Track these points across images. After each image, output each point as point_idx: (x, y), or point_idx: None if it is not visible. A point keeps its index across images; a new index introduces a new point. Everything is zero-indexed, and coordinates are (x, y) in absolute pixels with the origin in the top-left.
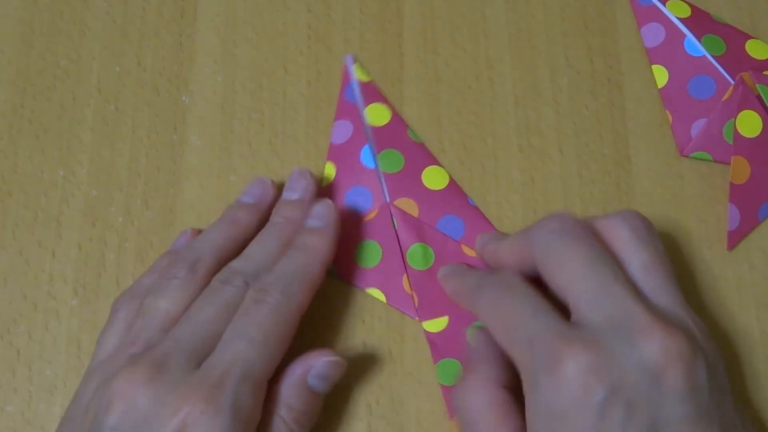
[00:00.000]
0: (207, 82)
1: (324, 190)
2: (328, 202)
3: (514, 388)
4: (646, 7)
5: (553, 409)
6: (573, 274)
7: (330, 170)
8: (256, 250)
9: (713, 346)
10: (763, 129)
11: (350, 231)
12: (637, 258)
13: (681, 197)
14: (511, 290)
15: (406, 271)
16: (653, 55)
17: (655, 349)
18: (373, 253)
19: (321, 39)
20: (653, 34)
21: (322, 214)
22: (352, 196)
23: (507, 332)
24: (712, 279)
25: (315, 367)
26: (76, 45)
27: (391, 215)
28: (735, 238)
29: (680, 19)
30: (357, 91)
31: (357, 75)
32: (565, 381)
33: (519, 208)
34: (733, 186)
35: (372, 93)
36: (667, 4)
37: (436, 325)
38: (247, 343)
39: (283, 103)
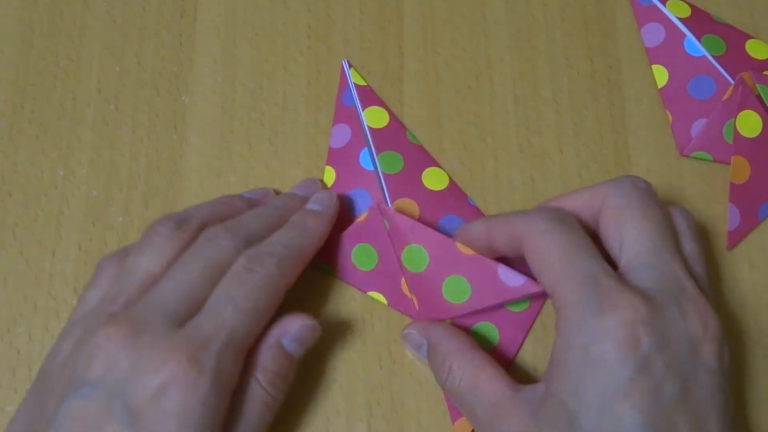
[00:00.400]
0: (207, 82)
1: None
2: (331, 192)
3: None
4: (646, 7)
5: (590, 351)
6: (643, 229)
7: (329, 174)
8: (248, 218)
9: None
10: (763, 129)
11: (346, 233)
12: (688, 246)
13: (681, 197)
14: (568, 224)
15: (403, 274)
16: (653, 55)
17: (699, 322)
18: (369, 256)
19: (321, 39)
20: (653, 34)
21: (323, 200)
22: (351, 198)
23: (558, 264)
24: (712, 279)
25: (290, 330)
26: (76, 45)
27: (382, 217)
28: (735, 238)
29: (680, 19)
30: (354, 94)
31: (354, 79)
32: (615, 325)
33: (519, 208)
34: (733, 186)
35: (369, 96)
36: (667, 4)
37: None
38: (235, 310)
39: (283, 103)
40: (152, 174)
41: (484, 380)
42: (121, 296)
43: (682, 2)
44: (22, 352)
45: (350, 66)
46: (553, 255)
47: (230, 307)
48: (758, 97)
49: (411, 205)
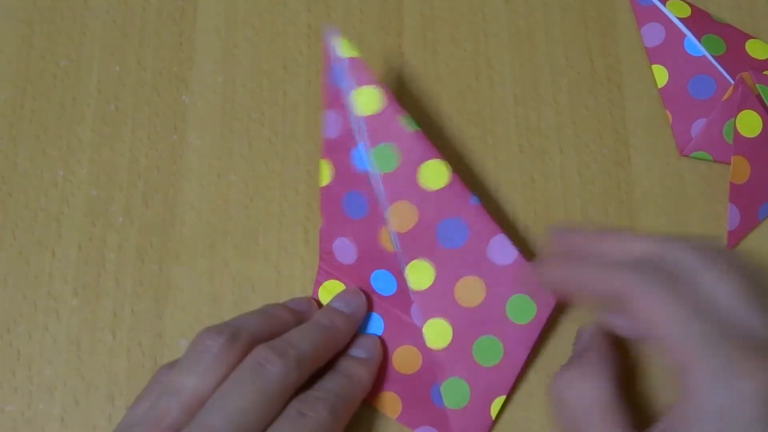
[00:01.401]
0: (207, 82)
1: (322, 191)
2: (375, 337)
3: (619, 383)
4: (646, 7)
5: (726, 415)
6: (723, 285)
7: (325, 170)
8: (299, 338)
9: None
10: (763, 129)
11: None
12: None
13: (681, 197)
14: (679, 280)
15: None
16: (653, 55)
17: None
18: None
19: (321, 39)
20: (653, 34)
21: (368, 346)
22: (348, 201)
23: (678, 324)
24: None
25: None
26: (76, 45)
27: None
28: (735, 238)
29: (680, 19)
30: (343, 72)
31: (342, 51)
32: (751, 391)
33: (519, 208)
34: (733, 186)
35: (359, 73)
36: (667, 4)
37: (441, 338)
38: None
39: (283, 103)
40: (152, 174)
41: (606, 409)
42: (166, 418)
43: (682, 2)
44: (22, 352)
45: (337, 35)
46: (670, 315)
47: None
48: (758, 97)
49: (409, 208)
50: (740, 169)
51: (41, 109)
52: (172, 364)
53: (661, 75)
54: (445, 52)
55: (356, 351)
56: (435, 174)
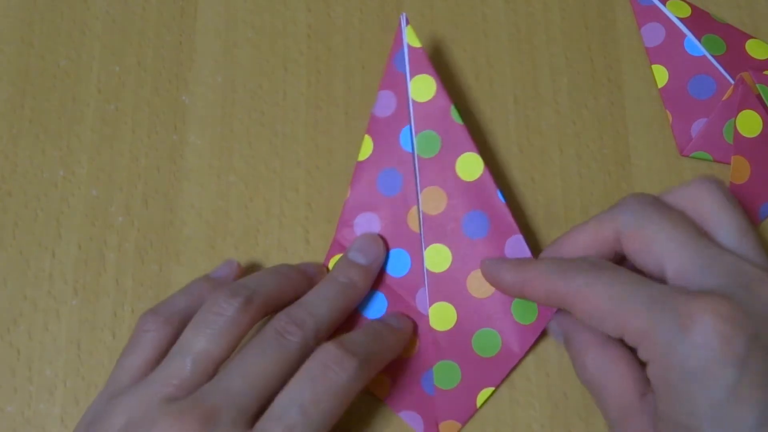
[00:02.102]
0: (207, 82)
1: (358, 165)
2: (404, 317)
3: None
4: (646, 7)
5: (689, 369)
6: (675, 237)
7: (367, 144)
8: (317, 304)
9: None
10: (763, 129)
11: None
12: (730, 224)
13: None
14: (605, 268)
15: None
16: (653, 55)
17: None
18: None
19: (321, 39)
20: (653, 34)
21: (398, 319)
22: (383, 177)
23: (614, 304)
24: None
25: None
26: (76, 45)
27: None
28: None
29: (680, 19)
30: (406, 59)
31: (409, 39)
32: (703, 335)
33: (519, 208)
34: (733, 186)
35: (420, 61)
36: (667, 3)
37: (445, 321)
38: (302, 416)
39: (283, 103)
40: (152, 174)
41: (614, 380)
42: (178, 377)
43: (682, 2)
44: (22, 352)
45: (408, 23)
46: (605, 300)
47: (298, 412)
48: (758, 97)
49: (439, 194)
50: (740, 169)
51: (41, 109)
52: (155, 310)
53: (661, 75)
54: (445, 52)
55: (391, 320)
56: (470, 166)
